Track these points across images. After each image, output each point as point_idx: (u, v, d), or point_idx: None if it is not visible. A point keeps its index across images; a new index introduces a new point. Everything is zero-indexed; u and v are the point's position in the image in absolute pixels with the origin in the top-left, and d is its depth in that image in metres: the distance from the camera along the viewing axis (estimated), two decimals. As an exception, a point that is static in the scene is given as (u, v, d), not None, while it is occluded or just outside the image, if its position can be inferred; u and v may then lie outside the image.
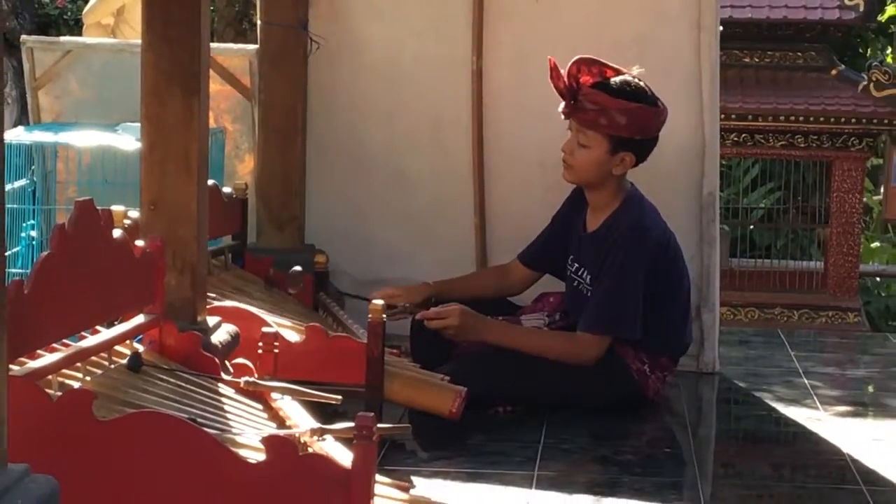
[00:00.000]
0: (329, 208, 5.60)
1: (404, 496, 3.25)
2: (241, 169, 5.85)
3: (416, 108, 5.49)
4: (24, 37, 6.39)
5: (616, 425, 4.58)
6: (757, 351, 5.94)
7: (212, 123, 5.10)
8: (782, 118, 7.31)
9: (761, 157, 8.41)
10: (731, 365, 5.50)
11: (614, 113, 4.70)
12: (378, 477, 2.98)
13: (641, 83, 4.67)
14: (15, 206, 5.51)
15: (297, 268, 4.97)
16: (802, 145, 7.49)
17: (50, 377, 3.11)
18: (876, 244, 11.02)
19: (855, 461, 4.20)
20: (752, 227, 9.74)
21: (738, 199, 9.55)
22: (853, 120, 7.40)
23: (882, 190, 9.86)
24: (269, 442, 3.01)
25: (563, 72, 4.61)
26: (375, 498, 2.93)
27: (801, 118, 7.30)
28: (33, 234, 5.56)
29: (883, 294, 10.76)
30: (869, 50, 10.26)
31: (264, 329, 4.14)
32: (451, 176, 5.49)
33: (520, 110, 5.25)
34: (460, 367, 4.50)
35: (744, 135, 7.37)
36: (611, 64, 4.62)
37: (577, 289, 4.73)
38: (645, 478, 4.04)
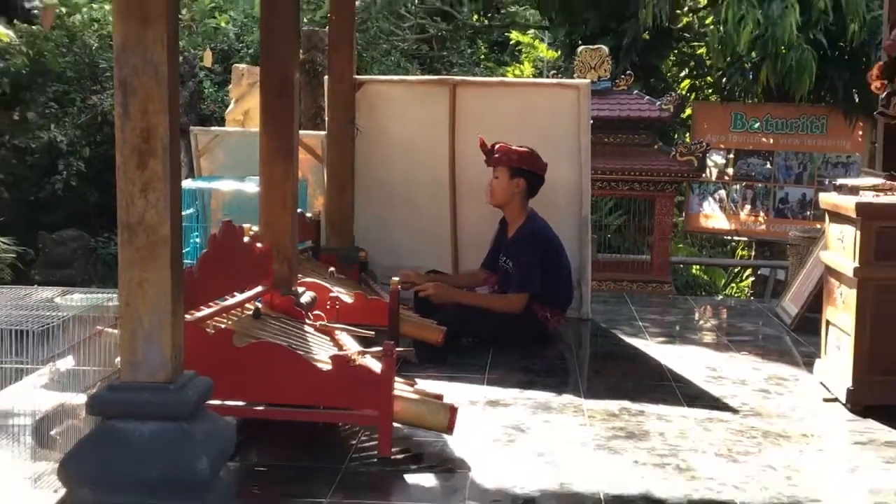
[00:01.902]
0: (367, 225, 6.75)
1: (410, 389, 4.12)
2: (317, 204, 6.93)
3: (417, 167, 6.87)
4: (191, 127, 7.49)
5: (532, 349, 5.81)
6: (612, 307, 7.30)
7: (300, 176, 5.93)
8: (626, 173, 8.63)
9: (614, 195, 9.70)
10: (598, 314, 6.88)
11: (511, 154, 6.12)
12: (396, 378, 3.90)
13: (527, 148, 6.17)
14: (186, 224, 6.28)
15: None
16: (638, 189, 8.77)
17: (208, 322, 4.00)
18: (680, 245, 12.35)
19: (669, 368, 5.54)
20: (609, 235, 10.87)
21: (601, 219, 10.77)
22: (666, 174, 8.76)
23: (683, 214, 11.44)
24: (333, 358, 3.99)
25: (487, 144, 6.11)
26: (395, 390, 3.88)
27: (637, 173, 8.63)
28: (197, 240, 6.48)
29: (683, 274, 12.15)
30: (676, 134, 11.94)
31: (330, 294, 5.43)
32: (438, 206, 6.89)
33: (475, 167, 6.51)
34: (442, 316, 5.81)
35: (604, 182, 8.58)
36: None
37: (506, 271, 6.17)
38: (548, 378, 5.23)
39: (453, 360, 5.40)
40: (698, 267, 12.89)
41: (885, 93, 6.08)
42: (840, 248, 5.04)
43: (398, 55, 13.74)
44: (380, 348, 4.07)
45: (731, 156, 11.76)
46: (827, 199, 5.26)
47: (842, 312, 4.98)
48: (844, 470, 4.04)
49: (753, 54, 10.54)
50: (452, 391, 4.46)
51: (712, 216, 11.78)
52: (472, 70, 14.14)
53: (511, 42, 14.67)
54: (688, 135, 11.77)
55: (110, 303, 3.74)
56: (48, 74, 10.78)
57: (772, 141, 11.57)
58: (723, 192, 11.76)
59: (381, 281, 6.28)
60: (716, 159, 11.77)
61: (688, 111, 12.09)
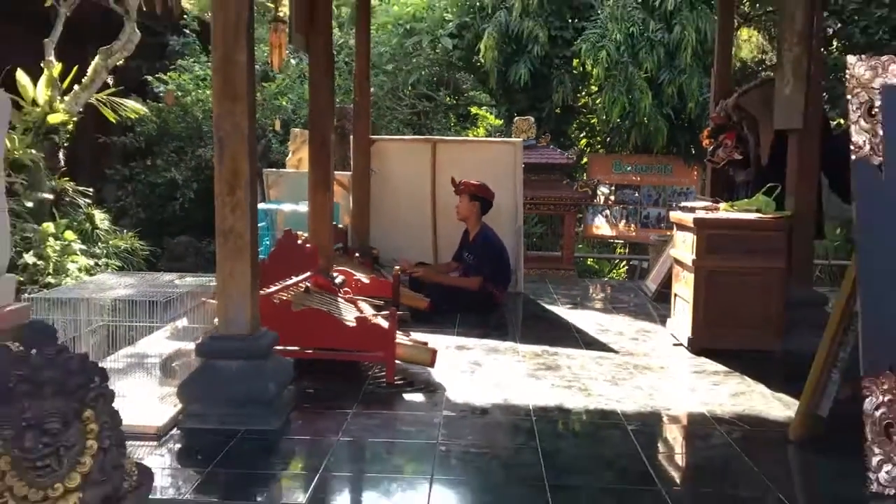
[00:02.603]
0: (378, 233, 6.68)
1: (407, 338, 4.16)
2: (346, 219, 6.80)
3: (410, 195, 6.80)
4: (264, 169, 7.44)
5: (485, 314, 5.76)
6: (537, 285, 7.21)
7: (335, 201, 5.90)
8: (546, 199, 8.68)
9: (539, 213, 9.62)
10: (528, 290, 6.81)
11: (471, 186, 6.12)
12: (397, 331, 4.01)
13: (480, 182, 6.16)
14: (261, 232, 6.03)
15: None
16: (553, 209, 8.83)
17: (275, 295, 4.05)
18: (581, 245, 12.02)
19: (573, 324, 5.55)
20: (535, 239, 10.97)
21: (531, 229, 10.74)
22: (570, 200, 8.82)
23: (583, 226, 11.33)
24: (357, 319, 4.13)
25: (456, 182, 6.13)
26: (396, 339, 3.97)
27: (552, 199, 8.66)
28: (267, 243, 6.47)
29: (582, 264, 11.87)
30: (577, 174, 11.58)
31: (353, 277, 5.46)
32: (423, 220, 6.82)
33: (448, 191, 6.33)
34: (428, 292, 5.74)
35: (532, 205, 8.52)
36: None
37: (468, 263, 6.13)
38: (497, 331, 5.24)
39: (435, 320, 5.37)
40: (592, 259, 12.86)
41: (711, 147, 6.13)
42: (683, 246, 5.06)
43: (398, 123, 13.73)
44: (386, 312, 4.13)
45: (613, 188, 11.77)
46: (675, 215, 5.28)
47: (684, 288, 4.99)
48: (686, 389, 4.05)
49: (626, 123, 10.58)
50: (434, 340, 4.42)
51: (601, 227, 11.78)
52: (447, 133, 14.13)
53: (472, 114, 14.57)
54: (585, 174, 11.76)
55: (210, 283, 3.74)
56: (170, 135, 10.85)
57: (639, 179, 11.60)
58: (608, 212, 11.76)
59: (387, 268, 6.20)
60: (603, 190, 11.78)
61: (585, 159, 12.15)
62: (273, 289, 4.13)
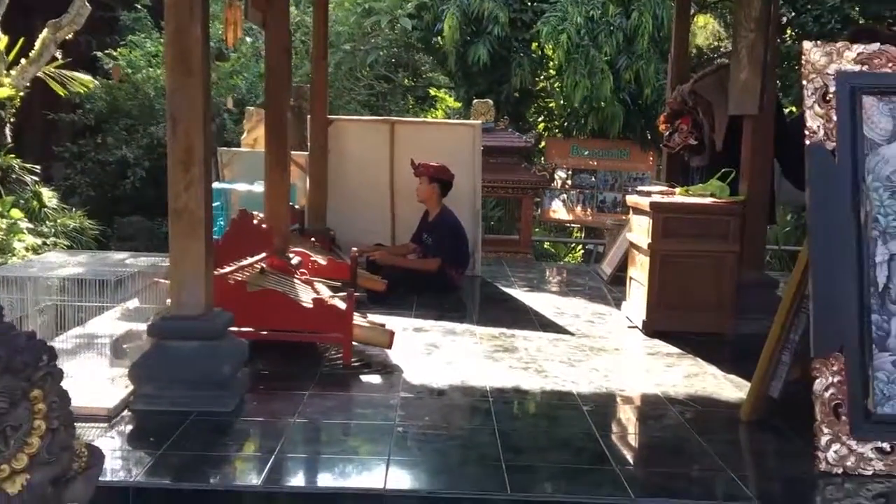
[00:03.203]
0: (336, 214, 6.60)
1: (364, 320, 4.14)
2: (302, 200, 6.74)
3: (368, 176, 6.72)
4: (219, 148, 7.34)
5: (443, 296, 5.73)
6: (494, 268, 7.19)
7: (291, 182, 5.83)
8: (503, 182, 8.53)
9: (497, 196, 9.56)
10: (485, 273, 6.81)
11: (430, 168, 6.08)
12: (354, 313, 3.96)
13: (440, 164, 6.10)
14: (215, 212, 5.62)
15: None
16: (511, 193, 8.69)
17: (230, 276, 3.98)
18: (538, 229, 11.91)
19: (530, 306, 5.57)
20: (493, 222, 10.92)
21: (489, 212, 10.75)
22: (528, 184, 8.66)
23: (540, 210, 11.35)
24: (313, 300, 4.06)
25: (416, 164, 6.09)
26: (353, 320, 3.94)
27: (510, 182, 8.53)
28: (222, 223, 6.28)
29: (540, 248, 11.93)
30: (536, 158, 11.38)
31: (310, 258, 5.35)
32: (382, 202, 6.77)
33: (406, 173, 6.29)
34: (385, 274, 5.65)
35: (491, 188, 8.35)
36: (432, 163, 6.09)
37: (426, 245, 6.12)
38: (454, 313, 5.24)
39: (392, 302, 5.35)
40: (549, 243, 12.91)
41: (667, 133, 6.18)
42: (639, 230, 5.10)
43: (356, 104, 13.61)
44: (344, 294, 4.09)
45: (570, 172, 11.81)
46: (631, 199, 5.33)
47: (639, 271, 5.03)
48: (641, 371, 4.10)
49: (584, 107, 10.63)
50: (392, 322, 4.42)
51: (558, 211, 11.82)
52: (405, 115, 14.04)
53: (430, 95, 14.51)
54: (543, 158, 11.77)
55: (163, 263, 3.66)
56: (121, 112, 10.62)
57: (595, 163, 11.65)
58: (565, 196, 11.79)
59: (345, 250, 6.13)
60: (560, 174, 11.79)
61: (543, 143, 12.16)
62: (227, 269, 4.06)
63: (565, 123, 11.96)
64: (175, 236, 3.22)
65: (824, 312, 2.85)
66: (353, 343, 3.96)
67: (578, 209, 11.77)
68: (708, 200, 4.91)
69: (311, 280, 4.71)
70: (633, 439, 3.20)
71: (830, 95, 2.96)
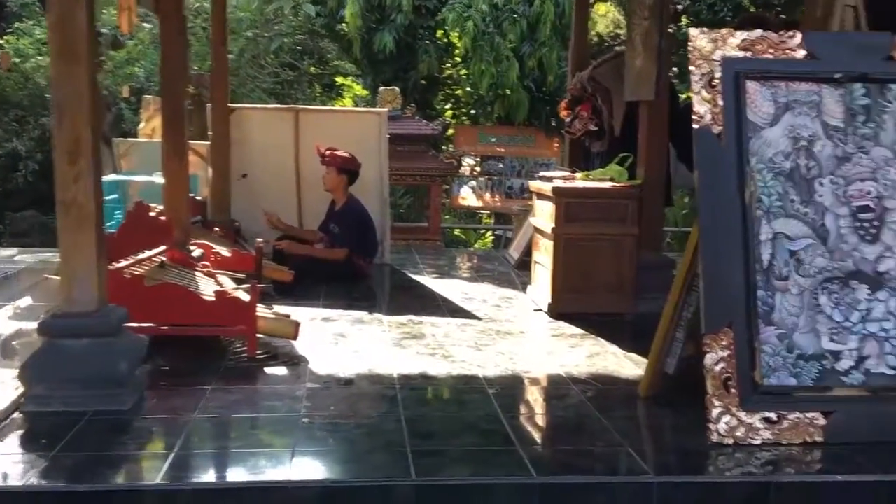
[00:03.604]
0: (241, 204, 6.49)
1: (269, 311, 4.10)
2: (205, 191, 6.67)
3: (273, 165, 6.64)
4: (115, 138, 7.16)
5: (351, 285, 5.71)
6: (404, 256, 7.24)
7: (193, 172, 5.95)
8: (412, 170, 8.61)
9: (406, 184, 9.67)
10: (395, 261, 6.82)
11: (338, 158, 6.03)
12: (259, 304, 3.92)
13: (349, 154, 6.06)
14: (111, 205, 6.25)
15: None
16: (419, 180, 8.74)
17: (126, 270, 3.90)
18: (448, 216, 12.15)
19: (438, 294, 5.60)
20: (402, 210, 11.09)
21: (399, 199, 10.89)
22: (436, 171, 8.75)
23: (450, 197, 11.54)
24: (215, 293, 4.01)
25: (322, 150, 6.01)
26: (257, 312, 3.89)
27: (418, 170, 8.61)
28: (118, 215, 6.24)
29: (450, 234, 12.08)
30: (445, 145, 11.68)
31: (212, 250, 5.26)
32: (288, 190, 6.68)
33: (311, 162, 6.27)
34: (292, 263, 5.60)
35: (399, 176, 8.43)
36: (339, 150, 6.04)
37: (333, 234, 6.05)
38: (362, 302, 5.23)
39: (299, 293, 5.30)
40: (460, 230, 13.02)
41: (568, 119, 6.31)
42: (543, 215, 5.18)
43: (261, 92, 13.35)
44: (247, 286, 4.02)
45: (479, 159, 11.96)
46: (534, 184, 5.41)
47: (544, 255, 5.10)
48: (545, 353, 4.17)
49: (490, 94, 10.74)
50: (298, 312, 4.36)
51: (467, 198, 11.97)
52: (312, 102, 13.90)
53: (337, 84, 14.36)
54: (451, 145, 11.84)
55: (54, 259, 3.52)
56: (10, 102, 10.13)
57: (503, 150, 11.83)
58: (474, 182, 11.94)
59: (251, 240, 5.99)
60: (469, 161, 11.93)
61: (451, 130, 12.22)
62: (124, 263, 3.95)
63: (472, 111, 12.09)
64: (64, 230, 3.10)
65: (713, 290, 2.96)
66: (259, 335, 3.89)
67: (487, 195, 11.92)
68: (607, 185, 5.03)
69: (214, 272, 4.60)
70: (536, 419, 3.25)
71: (716, 81, 3.07)
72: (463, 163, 11.74)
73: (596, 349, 4.19)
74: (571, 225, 4.87)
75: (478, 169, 11.95)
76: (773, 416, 2.90)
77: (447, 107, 12.93)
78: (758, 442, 2.88)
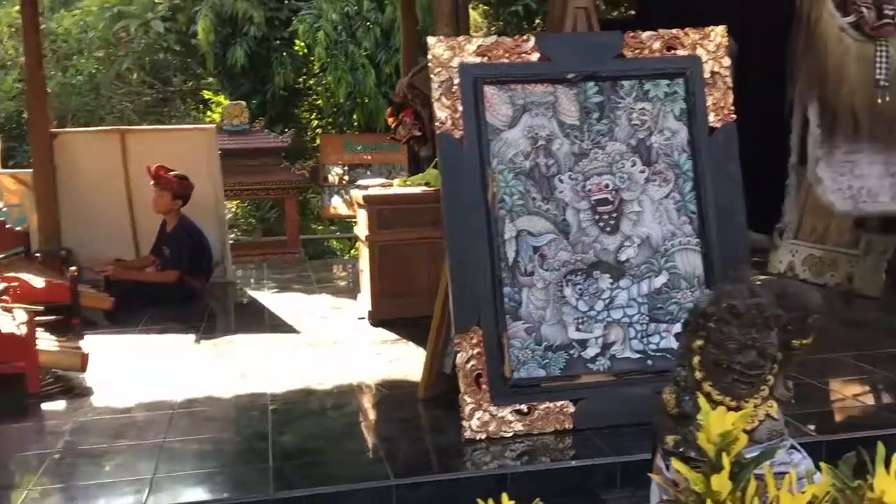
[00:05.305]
0: (73, 231, 6.30)
1: (55, 343, 3.97)
2: (33, 220, 6.37)
3: (103, 187, 6.42)
4: None
5: (181, 307, 5.49)
6: (255, 272, 7.08)
7: (17, 201, 6.15)
8: (263, 184, 8.64)
9: (258, 199, 9.69)
10: (242, 278, 6.76)
11: (172, 182, 5.94)
12: (48, 336, 3.93)
13: (182, 175, 5.96)
14: None
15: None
16: (272, 194, 8.75)
17: None
18: (321, 227, 12.33)
19: (268, 309, 5.49)
20: (269, 224, 10.97)
21: (263, 216, 10.87)
22: (289, 183, 8.89)
23: (321, 210, 11.49)
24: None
25: (153, 170, 5.91)
26: (40, 345, 3.77)
27: (270, 184, 8.65)
28: None
29: (323, 245, 12.11)
30: (309, 156, 11.69)
31: (24, 282, 5.00)
32: (121, 213, 6.51)
33: (143, 184, 6.16)
34: (120, 288, 5.48)
35: (251, 191, 8.54)
36: (171, 169, 5.97)
37: (165, 256, 5.93)
38: (180, 324, 4.99)
39: (122, 319, 5.17)
40: (336, 240, 12.95)
41: (394, 125, 6.36)
42: (361, 223, 5.22)
43: (130, 112, 13.05)
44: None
45: (347, 168, 11.90)
46: (353, 193, 5.43)
47: (365, 263, 5.14)
48: (349, 362, 4.17)
49: (349, 103, 10.75)
50: (111, 341, 4.39)
51: (339, 207, 11.86)
52: (185, 120, 13.65)
53: (207, 99, 14.17)
54: (318, 156, 11.77)
55: None
56: None
57: (370, 157, 11.79)
58: (343, 192, 11.87)
59: (86, 267, 5.81)
60: (337, 171, 11.86)
61: (318, 141, 12.17)
62: None
63: (334, 120, 12.05)
64: None
65: (461, 290, 3.05)
66: (46, 369, 3.79)
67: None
68: (419, 190, 5.10)
69: (11, 307, 4.43)
70: (306, 432, 3.19)
71: (455, 87, 3.15)
72: (329, 172, 11.72)
73: (402, 353, 4.24)
74: (385, 232, 4.92)
75: (346, 178, 11.91)
76: (524, 407, 3.00)
77: (312, 117, 12.88)
78: (510, 434, 2.97)
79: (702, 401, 1.57)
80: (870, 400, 3.48)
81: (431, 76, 3.17)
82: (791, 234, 5.73)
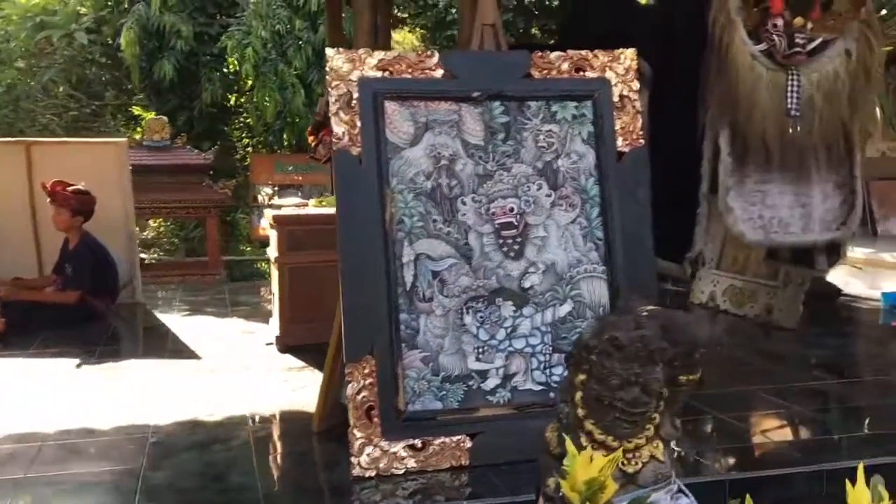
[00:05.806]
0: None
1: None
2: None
3: (5, 204, 6.18)
4: None
5: (82, 328, 5.30)
6: (170, 294, 6.92)
7: None
8: (184, 202, 8.29)
9: (177, 217, 9.34)
10: (153, 299, 6.50)
11: (72, 200, 5.69)
12: None
13: (82, 186, 5.72)
14: None
15: None
16: (193, 213, 8.43)
17: None
18: (249, 248, 12.01)
19: (173, 333, 5.25)
20: (193, 244, 10.61)
21: (188, 235, 10.54)
22: (210, 202, 8.47)
23: (250, 230, 11.08)
24: None
25: (49, 187, 5.64)
26: None
27: (191, 202, 8.30)
28: None
29: (253, 267, 11.49)
30: (238, 175, 11.49)
31: None
32: (23, 231, 6.27)
33: (45, 202, 5.86)
34: (14, 309, 5.27)
35: (170, 209, 8.19)
36: (70, 184, 5.68)
37: (67, 275, 5.68)
38: (77, 348, 4.75)
39: (14, 341, 4.91)
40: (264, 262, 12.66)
41: (315, 143, 6.18)
42: (273, 245, 5.02)
43: (56, 126, 12.65)
44: None
45: (277, 188, 11.68)
46: (265, 213, 5.24)
47: (276, 286, 4.94)
48: (247, 391, 3.94)
49: (278, 122, 10.54)
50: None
51: (267, 228, 11.63)
52: (114, 134, 13.30)
53: (137, 114, 13.81)
54: (249, 175, 11.51)
55: None
56: None
57: (300, 178, 11.60)
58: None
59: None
60: (267, 191, 11.65)
61: (248, 160, 11.93)
62: None
63: (265, 139, 11.82)
64: None
65: (354, 317, 2.87)
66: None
67: (286, 225, 11.62)
68: (332, 210, 4.89)
69: None
70: (183, 469, 2.93)
71: (354, 102, 2.99)
72: (258, 192, 11.48)
73: (305, 382, 4.03)
74: (295, 253, 4.75)
75: (276, 198, 11.66)
76: (417, 442, 2.82)
77: (243, 135, 12.60)
78: (401, 471, 2.79)
79: (568, 443, 1.42)
80: (779, 437, 3.40)
81: (329, 89, 3.01)
82: (713, 265, 5.67)
